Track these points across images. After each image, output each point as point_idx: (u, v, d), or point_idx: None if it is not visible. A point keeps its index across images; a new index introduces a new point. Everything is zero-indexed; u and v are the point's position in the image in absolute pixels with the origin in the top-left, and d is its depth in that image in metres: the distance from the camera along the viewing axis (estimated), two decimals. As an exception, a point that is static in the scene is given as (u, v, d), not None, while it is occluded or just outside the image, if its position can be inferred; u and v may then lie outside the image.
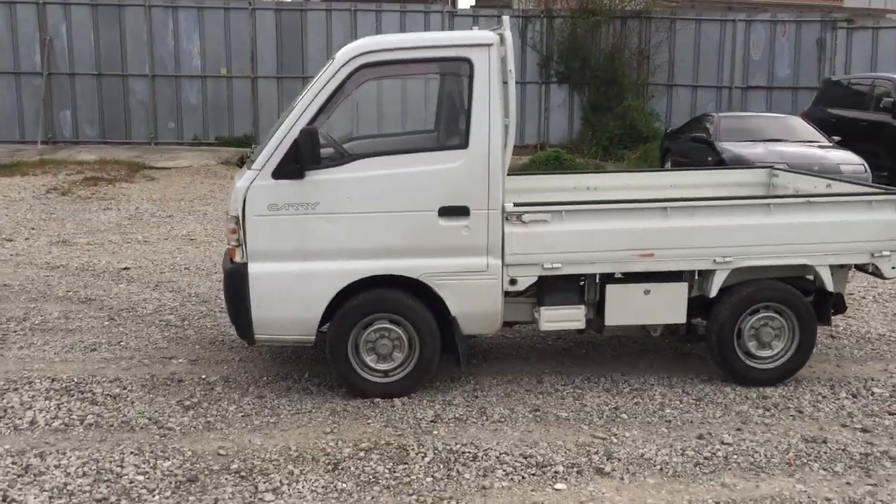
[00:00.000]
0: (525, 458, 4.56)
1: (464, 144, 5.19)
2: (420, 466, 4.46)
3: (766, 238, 5.37)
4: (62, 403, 5.21)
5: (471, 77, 5.19)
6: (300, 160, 5.03)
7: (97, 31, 18.55)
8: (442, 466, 4.46)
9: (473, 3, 24.32)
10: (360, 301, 5.23)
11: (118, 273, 8.47)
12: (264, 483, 4.26)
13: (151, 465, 4.44)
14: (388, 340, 5.31)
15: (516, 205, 5.25)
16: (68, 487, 4.19)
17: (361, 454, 4.58)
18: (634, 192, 6.52)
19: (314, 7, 20.08)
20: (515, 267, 5.29)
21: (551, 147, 17.90)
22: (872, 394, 5.51)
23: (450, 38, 5.55)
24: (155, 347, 6.30)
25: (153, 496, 4.14)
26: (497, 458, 4.56)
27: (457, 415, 5.12)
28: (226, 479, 4.32)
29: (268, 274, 5.14)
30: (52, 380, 5.56)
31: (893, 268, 5.52)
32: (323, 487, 4.24)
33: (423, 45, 5.43)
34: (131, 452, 4.56)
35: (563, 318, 5.45)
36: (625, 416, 5.14)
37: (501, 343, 6.47)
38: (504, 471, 4.42)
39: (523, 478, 4.36)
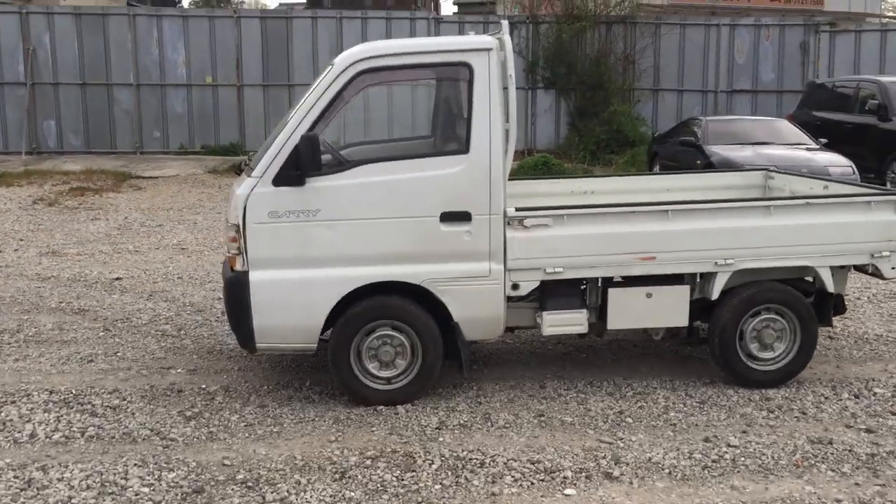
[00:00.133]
0: (533, 463, 4.54)
1: (465, 149, 5.17)
2: (428, 474, 4.42)
3: (768, 240, 5.38)
4: (62, 416, 5.14)
5: (471, 82, 5.17)
6: (301, 167, 4.99)
7: (81, 41, 18.44)
8: (450, 474, 4.43)
9: (456, 9, 24.37)
10: (362, 308, 5.20)
11: (111, 283, 8.38)
12: (271, 493, 4.21)
13: (156, 476, 4.38)
14: (390, 347, 5.27)
15: (518, 209, 5.24)
16: (73, 501, 4.13)
17: (368, 462, 4.54)
18: (631, 195, 6.51)
19: (299, 15, 20.09)
20: (517, 272, 5.27)
21: (539, 152, 17.93)
22: (874, 394, 5.53)
23: (449, 43, 5.54)
24: (152, 358, 6.23)
25: (159, 508, 4.09)
26: (505, 464, 4.53)
27: (461, 421, 5.10)
28: (232, 489, 4.27)
29: (269, 282, 5.09)
30: (50, 392, 5.49)
31: (893, 268, 5.55)
32: (331, 497, 4.19)
33: (423, 51, 5.43)
34: (135, 464, 4.50)
35: (565, 322, 5.44)
36: (630, 420, 5.13)
37: (501, 348, 6.45)
38: (513, 477, 4.40)
39: (532, 484, 4.34)
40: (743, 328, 5.52)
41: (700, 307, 5.58)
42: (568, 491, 4.26)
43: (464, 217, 5.14)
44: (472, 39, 5.36)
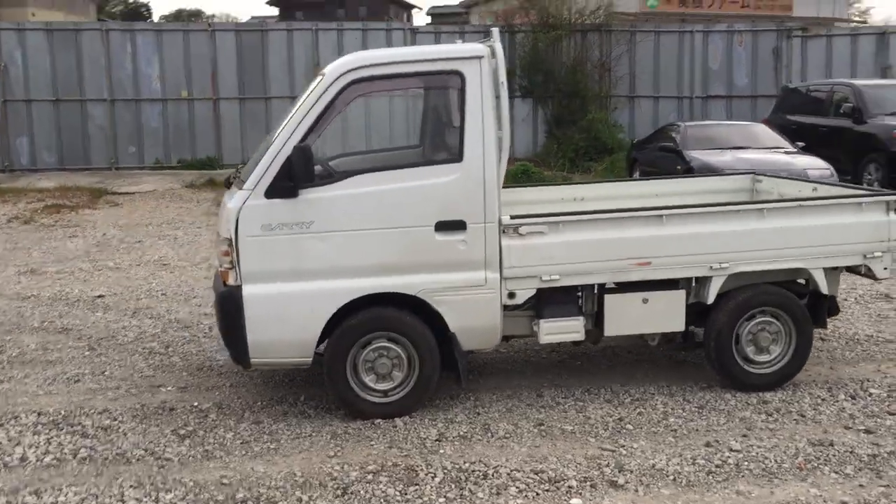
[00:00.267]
0: (536, 473, 4.49)
1: (458, 158, 5.13)
2: (431, 487, 4.36)
3: (762, 243, 5.38)
4: (52, 438, 5.01)
5: (462, 90, 5.14)
6: (294, 178, 4.93)
7: (53, 57, 18.23)
8: (454, 486, 4.36)
9: (429, 20, 24.39)
10: (357, 320, 5.13)
11: (93, 301, 8.24)
12: (273, 511, 4.14)
13: (153, 498, 4.28)
14: (386, 359, 5.20)
15: (513, 217, 5.21)
16: (69, 525, 4.02)
17: (369, 477, 4.47)
18: (621, 201, 6.51)
19: (275, 27, 19.99)
20: (513, 280, 5.23)
21: (518, 161, 17.91)
22: (870, 394, 5.54)
23: (440, 51, 5.49)
24: (141, 376, 6.11)
25: (159, 530, 3.99)
26: (508, 475, 4.48)
27: (461, 432, 5.04)
28: (232, 509, 4.18)
29: (263, 296, 5.01)
30: (39, 413, 5.36)
31: (886, 268, 5.57)
32: (334, 513, 4.12)
33: (414, 59, 5.39)
34: (130, 486, 4.40)
35: (562, 330, 5.40)
36: (630, 426, 5.10)
37: (496, 357, 6.40)
38: (517, 488, 4.34)
39: (537, 494, 4.29)
40: (739, 332, 5.52)
41: (695, 311, 5.57)
42: (574, 501, 4.22)
43: (459, 226, 5.10)
44: (464, 48, 5.33)
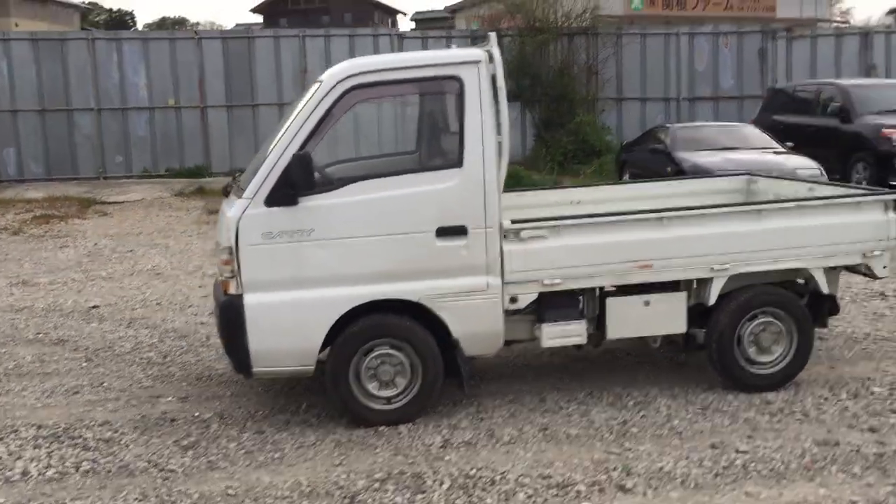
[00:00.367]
0: (544, 478, 4.47)
1: (458, 163, 5.12)
2: (439, 494, 4.33)
3: (763, 243, 5.39)
4: (53, 451, 4.96)
5: (461, 95, 5.13)
6: (294, 186, 4.90)
7: (39, 66, 18.13)
8: (462, 493, 4.34)
9: (413, 25, 24.41)
10: (360, 327, 5.10)
11: (88, 312, 8.18)
12: (281, 522, 4.10)
13: (159, 510, 4.24)
14: (389, 366, 5.18)
15: (513, 222, 5.19)
16: (75, 540, 3.98)
17: (377, 485, 4.44)
18: (619, 204, 6.50)
19: (261, 34, 19.94)
20: (515, 285, 5.21)
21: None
22: (872, 393, 5.55)
23: (438, 56, 5.47)
24: (140, 387, 6.06)
25: (167, 543, 3.95)
26: (516, 480, 4.46)
27: (465, 439, 5.01)
28: (240, 520, 4.15)
29: (265, 304, 4.98)
30: (38, 427, 5.30)
31: (885, 267, 5.60)
32: (343, 522, 4.09)
33: (412, 65, 5.37)
34: (135, 499, 4.36)
35: (564, 334, 5.39)
36: (634, 429, 5.09)
37: (497, 362, 6.38)
38: (526, 493, 4.32)
39: (546, 500, 4.27)
40: (740, 332, 5.52)
41: (697, 313, 5.57)
42: (583, 505, 4.21)
43: (460, 231, 5.08)
44: (462, 52, 5.32)
